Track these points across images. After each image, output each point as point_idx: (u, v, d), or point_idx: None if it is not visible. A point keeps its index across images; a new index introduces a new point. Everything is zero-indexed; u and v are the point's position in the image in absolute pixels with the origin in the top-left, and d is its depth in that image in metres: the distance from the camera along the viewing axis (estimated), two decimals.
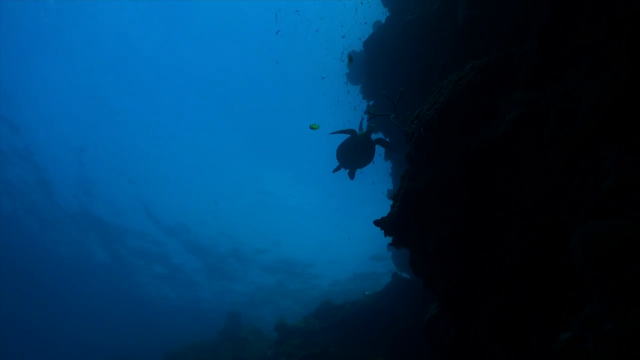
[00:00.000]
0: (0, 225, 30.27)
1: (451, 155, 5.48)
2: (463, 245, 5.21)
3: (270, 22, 27.90)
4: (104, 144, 30.93)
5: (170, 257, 37.47)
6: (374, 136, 11.34)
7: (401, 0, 12.50)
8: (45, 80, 27.53)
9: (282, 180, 37.78)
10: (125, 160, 32.17)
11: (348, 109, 19.58)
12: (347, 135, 11.21)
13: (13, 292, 37.89)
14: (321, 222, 39.22)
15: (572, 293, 3.79)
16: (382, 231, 7.05)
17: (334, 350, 15.49)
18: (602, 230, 3.13)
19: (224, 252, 38.50)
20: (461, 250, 5.22)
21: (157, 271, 38.87)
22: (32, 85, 26.85)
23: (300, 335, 17.39)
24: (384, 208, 8.33)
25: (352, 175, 12.61)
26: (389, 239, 7.07)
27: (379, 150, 12.24)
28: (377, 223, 6.99)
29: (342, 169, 12.54)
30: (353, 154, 11.45)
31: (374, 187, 21.22)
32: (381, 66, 12.53)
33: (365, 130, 11.19)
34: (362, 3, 20.04)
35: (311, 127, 8.38)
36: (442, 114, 5.60)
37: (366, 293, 17.95)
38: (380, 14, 15.04)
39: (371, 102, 15.22)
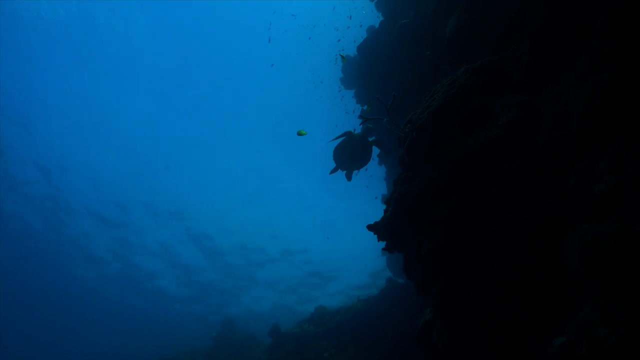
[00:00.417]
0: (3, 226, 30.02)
1: (445, 159, 5.45)
2: (457, 249, 5.16)
3: (264, 26, 27.98)
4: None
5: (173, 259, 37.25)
6: (370, 137, 11.30)
7: (395, 4, 12.52)
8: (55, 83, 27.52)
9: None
10: (126, 155, 32.03)
11: (342, 113, 19.59)
12: (347, 136, 11.16)
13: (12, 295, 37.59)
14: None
15: (567, 297, 3.75)
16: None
17: (329, 356, 15.37)
18: (596, 234, 3.09)
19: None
20: (455, 255, 5.18)
21: (154, 275, 38.56)
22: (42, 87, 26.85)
23: (294, 341, 17.28)
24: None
25: (349, 177, 12.54)
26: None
27: (374, 154, 12.22)
28: (370, 227, 6.94)
29: (340, 170, 12.47)
30: (350, 154, 11.39)
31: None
32: (375, 71, 12.53)
33: (362, 131, 11.15)
34: (356, 7, 20.11)
35: (299, 134, 8.26)
36: (435, 118, 5.57)
37: (361, 298, 17.87)
38: (374, 18, 15.06)
39: (365, 107, 15.22)
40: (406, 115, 6.81)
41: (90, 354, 50.09)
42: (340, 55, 10.10)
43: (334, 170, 12.63)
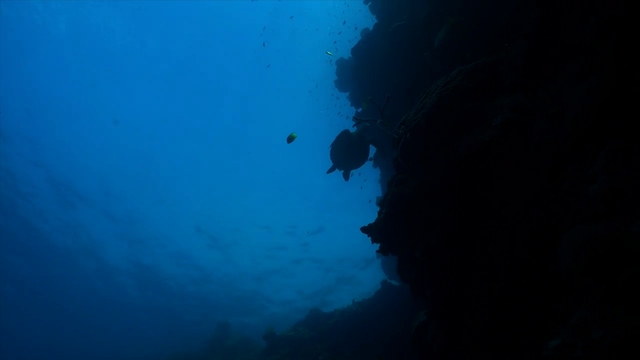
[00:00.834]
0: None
1: (439, 161, 5.43)
2: (451, 251, 5.14)
3: (260, 26, 27.97)
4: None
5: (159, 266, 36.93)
6: (368, 136, 11.22)
7: (389, 7, 12.53)
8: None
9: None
10: (110, 162, 31.75)
11: (337, 116, 19.59)
12: (343, 135, 11.07)
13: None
14: None
15: (561, 299, 3.73)
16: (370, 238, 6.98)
17: (324, 359, 15.31)
18: (591, 235, 3.07)
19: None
20: (449, 257, 5.15)
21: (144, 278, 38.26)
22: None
23: (289, 344, 17.20)
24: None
25: (346, 176, 12.45)
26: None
27: (370, 154, 12.17)
28: (364, 230, 6.91)
29: (337, 169, 12.38)
30: (347, 153, 11.31)
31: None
32: (370, 73, 12.53)
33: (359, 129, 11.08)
34: (348, 6, 20.12)
35: (289, 139, 8.11)
36: (429, 119, 5.56)
37: (356, 300, 17.82)
38: (369, 20, 15.08)
39: (359, 110, 15.19)
40: (401, 117, 6.81)
41: (83, 356, 49.67)
42: (327, 52, 10.02)
43: (331, 170, 12.53)
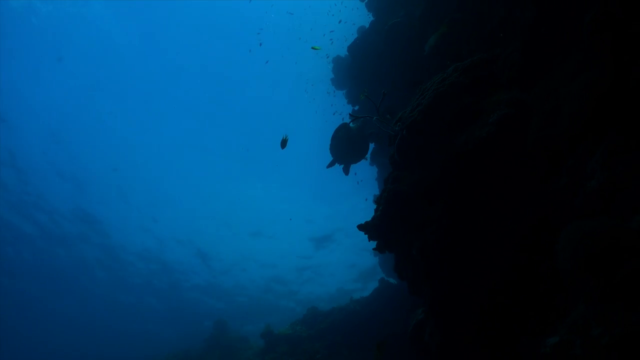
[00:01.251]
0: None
1: (435, 157, 5.40)
2: (448, 248, 5.11)
3: (257, 24, 27.88)
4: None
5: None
6: (367, 130, 11.13)
7: (385, 4, 12.48)
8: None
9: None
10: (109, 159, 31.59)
11: (334, 114, 19.51)
12: (343, 129, 10.98)
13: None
14: None
15: (559, 296, 3.71)
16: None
17: (322, 357, 15.27)
18: (589, 232, 3.05)
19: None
20: (446, 254, 5.12)
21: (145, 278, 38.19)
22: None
23: (287, 343, 17.17)
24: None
25: (346, 171, 12.33)
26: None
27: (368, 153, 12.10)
28: (360, 227, 6.88)
29: (337, 164, 12.28)
30: (347, 147, 11.22)
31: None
32: (366, 70, 12.48)
33: (360, 123, 10.98)
34: (345, 7, 20.05)
35: (283, 143, 7.95)
36: (425, 116, 5.53)
37: (354, 298, 17.80)
38: (364, 18, 15.02)
39: (356, 108, 15.13)
40: (398, 111, 6.77)
41: (80, 356, 49.59)
42: (313, 47, 9.85)
43: (330, 164, 12.42)
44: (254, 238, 37.63)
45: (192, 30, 30.83)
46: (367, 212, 15.75)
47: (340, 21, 19.99)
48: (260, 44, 25.81)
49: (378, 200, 6.66)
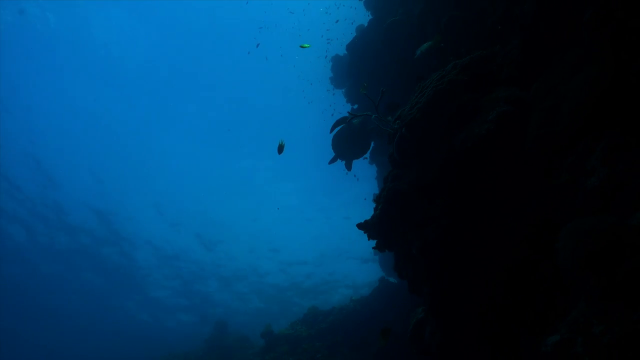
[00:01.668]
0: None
1: (435, 155, 5.37)
2: (448, 247, 5.08)
3: (255, 24, 27.83)
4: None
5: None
6: (369, 125, 11.06)
7: (384, 3, 12.45)
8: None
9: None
10: (98, 158, 31.53)
11: (334, 113, 19.47)
12: (341, 120, 10.89)
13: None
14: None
15: (560, 295, 3.68)
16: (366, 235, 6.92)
17: (322, 357, 15.27)
18: (589, 229, 3.02)
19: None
20: (446, 253, 5.09)
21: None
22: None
23: (287, 342, 17.15)
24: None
25: (349, 166, 12.27)
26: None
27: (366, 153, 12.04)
28: (360, 226, 6.85)
29: (339, 160, 12.21)
30: (349, 143, 11.13)
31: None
32: (365, 69, 12.44)
33: (362, 118, 10.91)
34: (344, 5, 20.02)
35: (280, 148, 7.84)
36: (424, 114, 5.49)
37: (353, 298, 17.78)
38: (363, 16, 15.00)
39: (355, 107, 15.09)
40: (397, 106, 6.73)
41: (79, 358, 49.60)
42: (302, 45, 9.74)
43: (333, 160, 12.35)
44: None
45: (192, 30, 30.77)
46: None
47: (337, 21, 19.97)
48: (258, 45, 25.72)
49: (377, 199, 6.63)
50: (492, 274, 4.67)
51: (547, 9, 4.66)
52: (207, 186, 36.29)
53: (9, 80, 24.93)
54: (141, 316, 44.05)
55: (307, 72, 26.03)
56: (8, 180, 26.26)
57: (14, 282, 34.74)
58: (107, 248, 34.07)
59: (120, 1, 26.34)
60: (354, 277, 38.83)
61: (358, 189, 26.38)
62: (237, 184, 36.53)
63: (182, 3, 28.54)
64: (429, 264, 5.31)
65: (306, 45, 9.74)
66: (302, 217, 37.35)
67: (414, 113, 5.62)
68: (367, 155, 13.05)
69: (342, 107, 17.72)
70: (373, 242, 7.11)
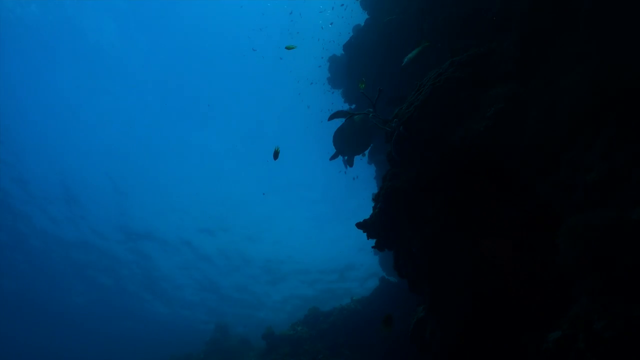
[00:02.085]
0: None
1: (433, 153, 5.35)
2: (447, 245, 5.06)
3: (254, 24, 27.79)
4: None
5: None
6: (370, 121, 10.97)
7: (380, 2, 12.44)
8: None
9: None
10: (107, 166, 31.44)
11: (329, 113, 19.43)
12: (340, 113, 10.78)
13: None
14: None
15: (560, 290, 3.66)
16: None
17: (324, 358, 15.23)
18: (589, 223, 3.00)
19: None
20: (446, 250, 5.07)
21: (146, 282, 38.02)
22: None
23: (289, 344, 17.09)
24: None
25: (350, 162, 12.11)
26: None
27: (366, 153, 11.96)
28: (359, 225, 6.82)
29: (340, 156, 12.10)
30: (351, 138, 11.05)
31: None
32: (363, 69, 12.42)
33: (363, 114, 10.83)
34: (342, 5, 20.01)
35: (275, 154, 7.77)
36: (422, 111, 5.47)
37: (354, 298, 17.73)
38: (360, 15, 14.99)
39: (353, 106, 15.07)
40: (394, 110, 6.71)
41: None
42: (287, 47, 9.63)
43: (334, 156, 12.24)
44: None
45: (191, 31, 30.70)
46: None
47: (331, 23, 19.96)
48: (254, 50, 25.69)
49: (376, 198, 6.60)
50: (493, 271, 4.65)
51: (543, 3, 4.64)
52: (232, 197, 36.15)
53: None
54: (159, 309, 43.63)
55: (307, 73, 26.02)
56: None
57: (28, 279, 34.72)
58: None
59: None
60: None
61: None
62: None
63: (181, 3, 28.49)
64: (429, 261, 5.29)
65: (292, 46, 9.63)
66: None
67: (412, 111, 5.60)
68: (366, 153, 12.96)
69: (340, 107, 17.69)
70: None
